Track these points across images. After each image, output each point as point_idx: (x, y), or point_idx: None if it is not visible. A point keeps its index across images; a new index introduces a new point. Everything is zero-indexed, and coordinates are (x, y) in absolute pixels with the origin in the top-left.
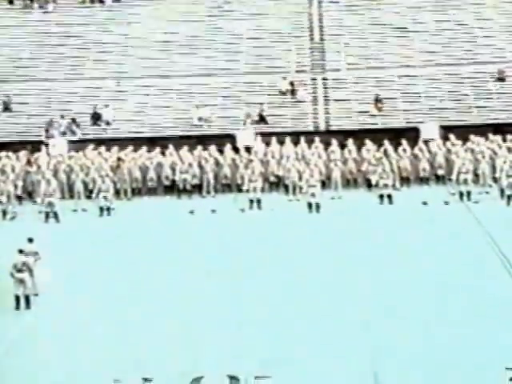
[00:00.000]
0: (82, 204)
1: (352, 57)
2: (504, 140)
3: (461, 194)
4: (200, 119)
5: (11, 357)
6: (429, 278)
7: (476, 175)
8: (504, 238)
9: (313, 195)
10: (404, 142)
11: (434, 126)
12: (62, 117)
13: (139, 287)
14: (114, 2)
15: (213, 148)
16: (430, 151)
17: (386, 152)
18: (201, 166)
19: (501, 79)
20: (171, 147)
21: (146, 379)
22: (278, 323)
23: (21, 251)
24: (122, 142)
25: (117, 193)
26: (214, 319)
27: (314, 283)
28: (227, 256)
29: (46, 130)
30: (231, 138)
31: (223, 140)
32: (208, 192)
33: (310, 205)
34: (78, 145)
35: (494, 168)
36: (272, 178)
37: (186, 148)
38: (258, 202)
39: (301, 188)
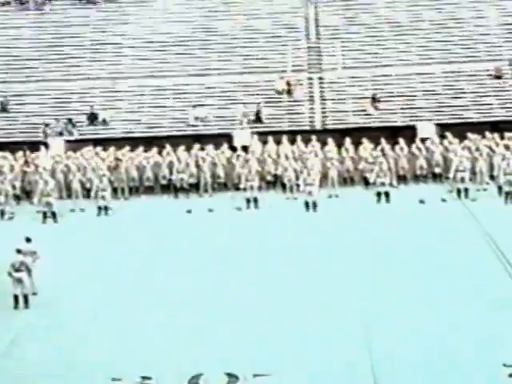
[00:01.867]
0: (79, 204)
1: (348, 56)
2: (501, 138)
3: (458, 192)
4: (197, 119)
5: (10, 356)
6: (426, 276)
7: (473, 173)
8: (502, 235)
9: (310, 194)
10: (401, 140)
11: (431, 124)
12: (57, 120)
13: (137, 286)
14: (109, 3)
15: (210, 147)
16: (427, 149)
17: (383, 150)
18: (198, 166)
19: (498, 77)
20: (168, 147)
21: (144, 377)
22: (276, 320)
23: (19, 251)
24: (119, 142)
25: (114, 192)
26: (212, 317)
27: (312, 281)
28: (224, 255)
29: (43, 131)
30: (228, 138)
31: (220, 139)
32: (205, 191)
33: (307, 203)
34: (75, 145)
35: (491, 166)
36: (269, 177)
37: (182, 147)
38: (255, 200)
39: (298, 186)
